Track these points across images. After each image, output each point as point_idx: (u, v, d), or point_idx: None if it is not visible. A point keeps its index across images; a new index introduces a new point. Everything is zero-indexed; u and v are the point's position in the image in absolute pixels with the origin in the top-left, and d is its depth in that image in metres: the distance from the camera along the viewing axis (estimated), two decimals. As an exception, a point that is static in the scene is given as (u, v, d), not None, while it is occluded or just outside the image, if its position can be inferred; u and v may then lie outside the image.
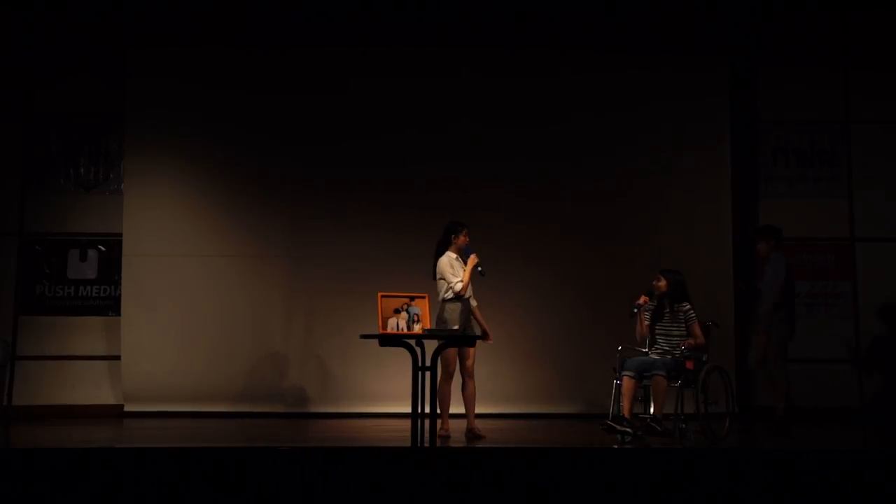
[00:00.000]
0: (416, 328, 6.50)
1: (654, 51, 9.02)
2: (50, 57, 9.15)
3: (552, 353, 8.75)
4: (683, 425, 6.85)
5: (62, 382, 8.88)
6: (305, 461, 5.85)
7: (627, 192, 8.90)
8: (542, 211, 8.88)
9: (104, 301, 9.06)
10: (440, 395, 6.89)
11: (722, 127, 8.97)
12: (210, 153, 8.96)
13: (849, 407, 8.82)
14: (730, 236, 8.86)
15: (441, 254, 7.21)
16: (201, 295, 8.84)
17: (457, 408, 7.26)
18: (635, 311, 7.17)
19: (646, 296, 7.19)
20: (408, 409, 6.41)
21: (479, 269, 7.10)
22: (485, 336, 7.23)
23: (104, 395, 8.89)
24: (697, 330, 7.07)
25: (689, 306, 7.14)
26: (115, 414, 8.74)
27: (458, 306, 7.08)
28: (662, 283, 7.17)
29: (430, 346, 6.56)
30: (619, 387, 6.94)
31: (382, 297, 6.51)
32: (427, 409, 6.39)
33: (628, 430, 6.70)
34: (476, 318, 7.27)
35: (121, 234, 8.90)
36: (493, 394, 8.24)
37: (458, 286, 7.04)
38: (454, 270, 7.11)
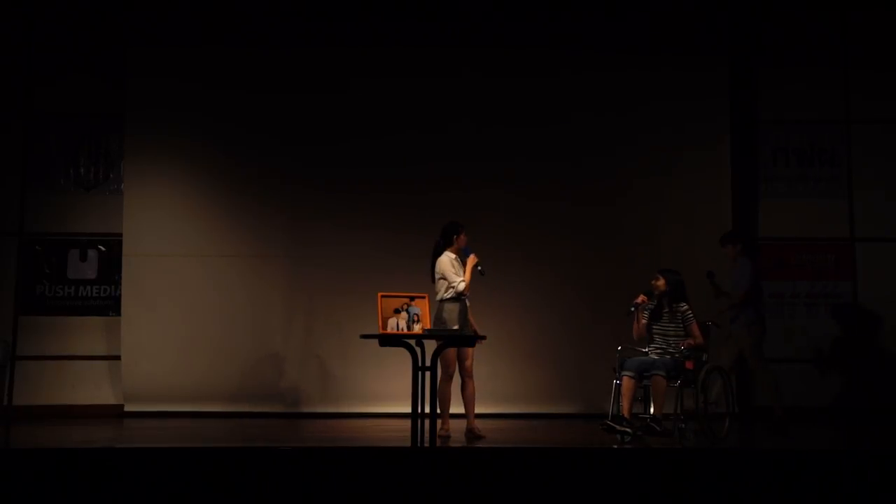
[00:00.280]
0: (416, 328, 6.50)
1: (654, 51, 9.02)
2: (50, 56, 9.16)
3: (552, 353, 8.75)
4: (683, 425, 6.85)
5: (62, 382, 8.88)
6: (305, 461, 5.85)
7: (627, 192, 8.90)
8: (542, 211, 8.88)
9: (104, 301, 9.06)
10: (440, 396, 6.89)
11: (722, 127, 8.98)
12: (210, 153, 8.96)
13: (849, 407, 8.82)
14: (730, 236, 8.86)
15: (439, 254, 7.22)
16: (201, 295, 8.84)
17: (457, 408, 7.26)
18: (632, 309, 7.18)
19: (644, 295, 7.19)
20: (408, 409, 6.42)
21: (479, 268, 7.11)
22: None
23: (104, 395, 8.89)
24: (696, 330, 7.08)
25: (687, 306, 7.15)
26: (115, 414, 8.75)
27: (456, 306, 7.08)
28: (661, 282, 7.18)
29: (430, 346, 6.56)
30: (618, 387, 6.94)
31: (382, 297, 6.51)
32: (427, 409, 6.39)
33: (628, 430, 6.70)
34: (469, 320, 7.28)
35: (121, 234, 8.90)
36: (493, 394, 8.25)
37: (462, 285, 7.05)
38: (456, 270, 7.12)
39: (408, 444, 6.31)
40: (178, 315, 8.81)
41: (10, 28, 9.18)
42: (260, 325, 8.84)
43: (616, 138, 8.94)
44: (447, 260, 7.17)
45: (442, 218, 7.41)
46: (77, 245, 9.11)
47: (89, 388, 8.89)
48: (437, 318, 7.03)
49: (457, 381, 7.18)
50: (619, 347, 7.09)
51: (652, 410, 6.90)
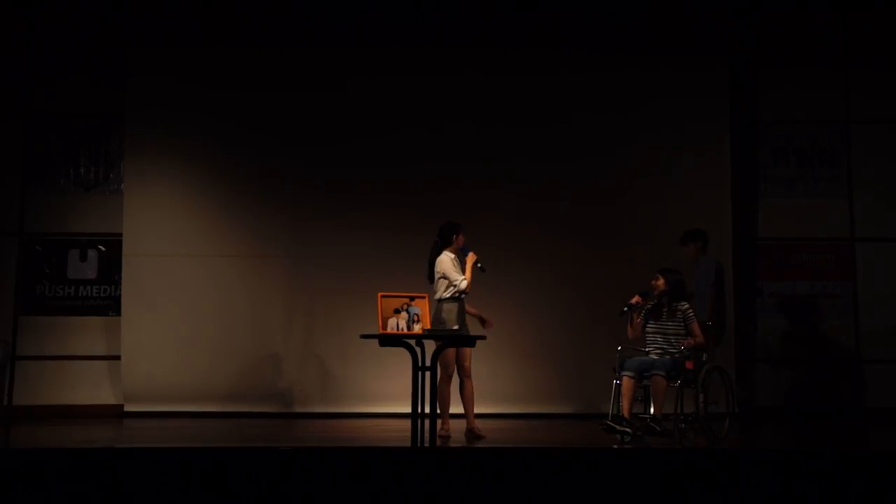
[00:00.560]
0: (416, 328, 6.50)
1: (654, 51, 9.02)
2: (50, 56, 9.15)
3: (552, 353, 8.74)
4: (683, 425, 6.84)
5: (62, 382, 8.88)
6: (305, 461, 5.85)
7: (627, 192, 8.90)
8: (542, 211, 8.87)
9: (104, 301, 9.06)
10: (440, 396, 6.89)
11: (722, 127, 8.97)
12: (210, 153, 8.96)
13: (849, 407, 8.82)
14: (730, 236, 8.85)
15: (438, 254, 7.21)
16: (201, 295, 8.84)
17: (457, 408, 7.27)
18: (626, 309, 7.17)
19: (640, 296, 7.18)
20: (408, 409, 6.42)
21: (479, 265, 7.11)
22: (484, 323, 7.24)
23: (104, 395, 8.89)
24: (697, 329, 7.08)
25: (687, 305, 7.15)
26: (115, 414, 8.74)
27: (455, 306, 7.08)
28: (661, 282, 7.17)
29: (430, 346, 6.56)
30: (618, 387, 6.94)
31: (382, 297, 6.51)
32: (427, 409, 6.39)
33: (628, 430, 6.69)
34: (471, 313, 7.26)
35: (121, 234, 8.90)
36: (493, 394, 8.24)
37: (464, 284, 7.05)
38: (456, 268, 7.13)
39: (408, 444, 6.31)
40: (178, 315, 8.80)
41: (10, 28, 9.18)
42: (260, 325, 8.84)
43: (616, 138, 8.94)
44: (447, 259, 7.17)
45: (442, 218, 7.40)
46: (77, 245, 9.11)
47: (89, 388, 8.89)
48: (436, 317, 7.02)
49: (456, 381, 7.18)
50: (619, 347, 7.09)
51: (652, 410, 6.90)
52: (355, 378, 8.69)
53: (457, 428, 7.20)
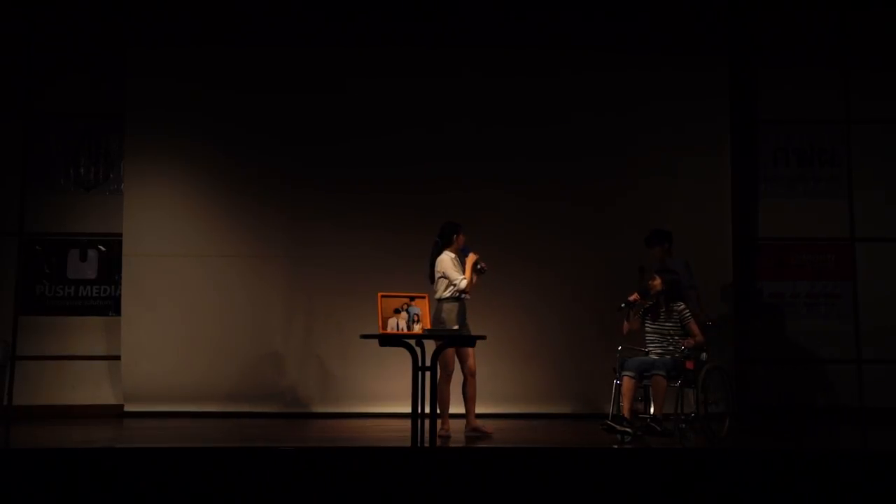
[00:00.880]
0: (416, 328, 6.50)
1: (654, 51, 9.01)
2: (50, 56, 9.15)
3: (552, 353, 8.74)
4: (683, 425, 6.85)
5: (62, 382, 8.87)
6: (305, 461, 5.85)
7: (627, 192, 8.89)
8: (542, 211, 8.87)
9: (104, 301, 9.06)
10: (440, 396, 6.90)
11: (722, 127, 8.97)
12: (210, 153, 8.96)
13: (848, 407, 8.82)
14: (730, 236, 8.86)
15: (438, 254, 7.22)
16: (201, 295, 8.84)
17: (456, 408, 7.27)
18: (623, 305, 7.18)
19: (638, 293, 7.20)
20: (408, 409, 6.42)
21: (479, 265, 7.12)
22: (480, 268, 7.15)
23: (104, 395, 8.89)
24: (695, 328, 7.08)
25: (683, 305, 7.15)
26: (115, 414, 8.74)
27: (455, 306, 7.09)
28: (657, 282, 7.19)
29: (430, 346, 6.56)
30: (618, 387, 6.94)
31: (382, 297, 6.51)
32: (427, 409, 6.39)
33: (628, 430, 6.70)
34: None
35: (121, 234, 8.90)
36: (493, 394, 8.24)
37: (463, 283, 7.06)
38: (457, 268, 7.13)
39: (408, 444, 6.31)
40: (178, 315, 8.80)
41: (10, 28, 9.18)
42: (260, 325, 8.84)
43: (616, 138, 8.93)
44: (448, 259, 7.18)
45: (442, 218, 7.41)
46: (77, 245, 9.11)
47: (89, 388, 8.89)
48: (436, 317, 7.04)
49: (458, 380, 7.19)
50: (619, 347, 7.10)
51: (652, 410, 6.91)
52: (355, 378, 8.69)
53: (457, 428, 7.21)
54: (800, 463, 5.88)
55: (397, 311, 6.49)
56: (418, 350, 6.48)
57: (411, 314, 6.52)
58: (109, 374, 8.90)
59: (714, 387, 7.03)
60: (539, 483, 5.75)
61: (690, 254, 8.33)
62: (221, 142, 8.96)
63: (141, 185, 8.91)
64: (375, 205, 8.87)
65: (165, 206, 8.91)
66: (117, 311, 8.91)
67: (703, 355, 7.05)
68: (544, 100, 9.00)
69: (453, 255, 7.22)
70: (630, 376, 6.89)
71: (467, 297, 7.19)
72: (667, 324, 7.15)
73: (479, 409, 7.29)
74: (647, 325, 7.24)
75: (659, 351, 7.11)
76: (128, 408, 8.73)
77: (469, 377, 7.20)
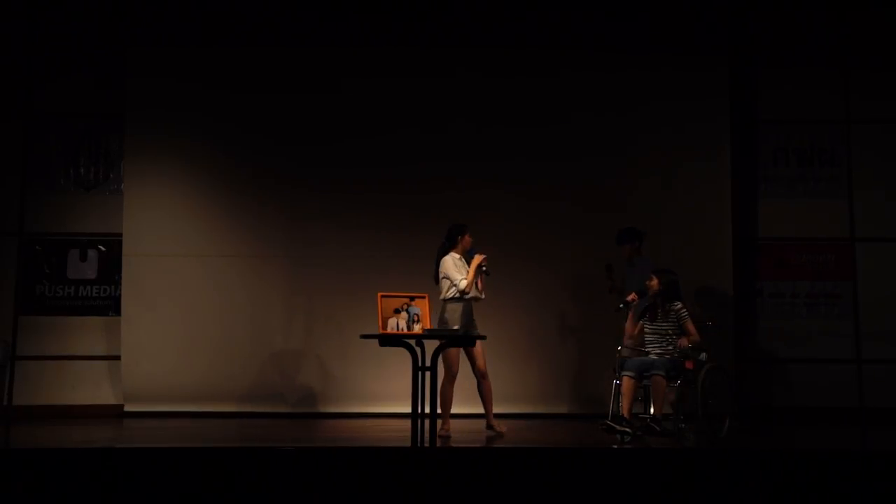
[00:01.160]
0: (416, 328, 6.50)
1: (654, 51, 9.01)
2: (50, 56, 9.15)
3: (551, 353, 8.75)
4: (683, 425, 6.85)
5: (62, 382, 8.88)
6: (305, 461, 5.85)
7: (627, 192, 8.89)
8: (542, 211, 8.87)
9: (104, 301, 9.06)
10: (442, 396, 6.91)
11: (722, 127, 8.97)
12: (210, 153, 8.96)
13: (849, 407, 8.82)
14: (730, 236, 8.85)
15: (444, 255, 7.24)
16: (201, 295, 8.84)
17: (460, 408, 7.28)
18: (621, 306, 7.20)
19: (636, 293, 7.21)
20: (408, 409, 6.42)
21: (484, 268, 7.13)
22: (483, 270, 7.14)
23: (104, 395, 8.89)
24: (692, 327, 7.08)
25: (680, 305, 7.16)
26: (115, 414, 8.74)
27: (459, 307, 7.09)
28: (654, 282, 7.20)
29: (431, 346, 6.56)
30: (618, 387, 6.95)
31: (382, 297, 6.51)
32: (427, 409, 6.39)
33: (628, 430, 6.70)
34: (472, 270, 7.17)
35: (121, 234, 8.90)
36: (493, 394, 8.21)
37: (463, 284, 7.07)
38: (459, 269, 7.14)
39: (408, 444, 6.31)
40: (178, 315, 8.80)
41: (10, 28, 9.18)
42: (260, 325, 8.84)
43: (616, 138, 8.93)
44: (450, 260, 7.19)
45: (442, 218, 7.42)
46: (77, 245, 9.11)
47: (89, 388, 8.89)
48: (440, 318, 7.06)
49: (473, 383, 7.26)
50: (619, 347, 7.10)
51: (652, 410, 6.91)
52: (355, 378, 8.69)
53: (457, 428, 7.21)
54: (800, 463, 5.87)
55: (397, 311, 6.50)
56: (418, 350, 6.48)
57: (411, 314, 6.52)
58: (109, 374, 8.90)
59: (714, 387, 7.04)
60: (539, 483, 5.75)
61: (690, 254, 8.35)
62: (221, 142, 8.96)
63: (141, 185, 8.91)
64: (375, 205, 8.86)
65: (165, 206, 8.91)
66: (117, 311, 8.91)
67: (703, 355, 7.06)
68: (544, 100, 8.99)
69: (458, 257, 7.23)
70: (630, 376, 6.89)
71: (482, 297, 7.20)
72: (664, 324, 7.16)
73: (478, 409, 7.30)
74: (645, 325, 7.25)
75: (658, 351, 7.11)
76: (128, 408, 8.73)
77: (481, 379, 7.22)
